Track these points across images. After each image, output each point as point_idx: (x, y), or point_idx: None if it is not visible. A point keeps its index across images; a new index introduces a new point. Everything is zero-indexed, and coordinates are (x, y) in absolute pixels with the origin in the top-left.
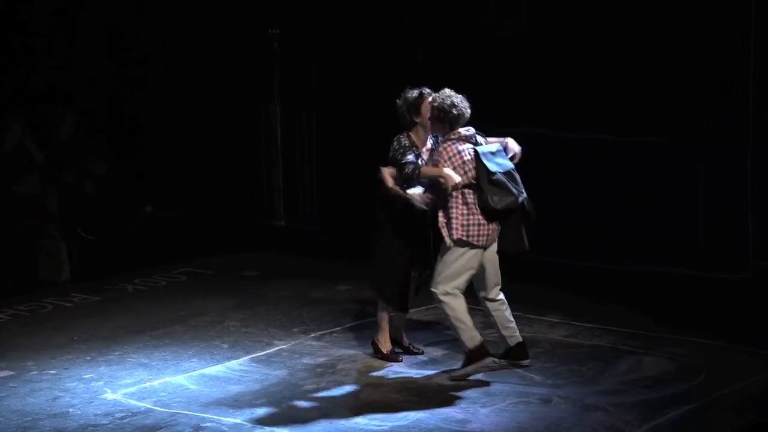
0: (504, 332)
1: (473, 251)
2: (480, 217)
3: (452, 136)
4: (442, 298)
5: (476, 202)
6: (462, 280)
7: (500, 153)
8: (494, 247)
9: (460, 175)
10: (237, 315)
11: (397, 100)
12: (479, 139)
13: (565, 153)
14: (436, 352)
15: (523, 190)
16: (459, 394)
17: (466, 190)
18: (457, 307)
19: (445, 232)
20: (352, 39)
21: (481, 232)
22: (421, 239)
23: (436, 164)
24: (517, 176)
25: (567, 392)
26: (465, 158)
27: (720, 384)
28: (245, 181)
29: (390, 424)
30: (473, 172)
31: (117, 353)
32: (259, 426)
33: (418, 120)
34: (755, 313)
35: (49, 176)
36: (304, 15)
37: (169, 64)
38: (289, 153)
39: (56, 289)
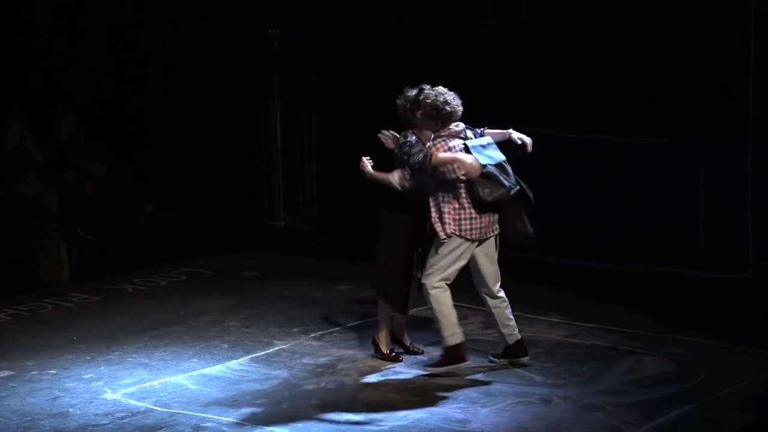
0: (503, 330)
1: (466, 245)
2: (472, 211)
3: (443, 133)
4: (430, 290)
5: (467, 196)
6: (451, 272)
7: (491, 146)
8: (491, 241)
9: (451, 171)
10: (237, 315)
11: (398, 100)
12: (469, 133)
13: (565, 153)
14: (436, 351)
15: (515, 181)
16: (459, 394)
17: (457, 185)
18: (443, 300)
19: (438, 227)
20: (352, 39)
21: (473, 226)
22: (421, 240)
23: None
24: (509, 168)
25: (567, 392)
26: (456, 154)
27: (720, 384)
28: (245, 181)
29: (390, 424)
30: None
31: (117, 353)
32: (259, 426)
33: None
34: (755, 313)
35: (49, 176)
36: (304, 15)
37: (169, 64)
38: (289, 153)
39: (56, 289)
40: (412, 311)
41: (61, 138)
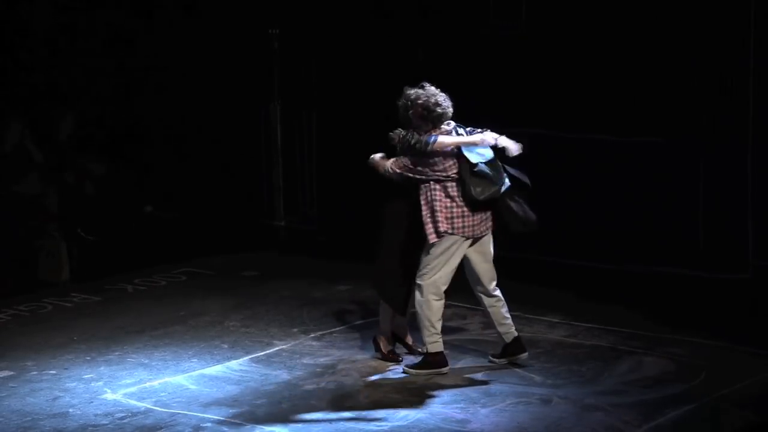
0: (500, 329)
1: (458, 243)
2: (464, 208)
3: (434, 133)
4: (426, 295)
5: (459, 194)
6: (445, 272)
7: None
8: (486, 240)
9: (442, 170)
10: (237, 315)
11: (398, 102)
12: (460, 131)
13: (565, 153)
14: None
15: (505, 177)
16: (459, 394)
17: (448, 183)
18: (434, 310)
19: (430, 228)
20: (352, 39)
21: (465, 224)
22: (423, 241)
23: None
24: (500, 165)
25: (567, 392)
26: (460, 138)
27: (720, 384)
28: (245, 181)
29: (390, 424)
30: (456, 165)
31: (117, 353)
32: (259, 426)
33: None
34: (755, 313)
35: (49, 176)
36: (304, 15)
37: (169, 64)
38: (289, 153)
39: (56, 289)
40: (413, 311)
41: (61, 138)
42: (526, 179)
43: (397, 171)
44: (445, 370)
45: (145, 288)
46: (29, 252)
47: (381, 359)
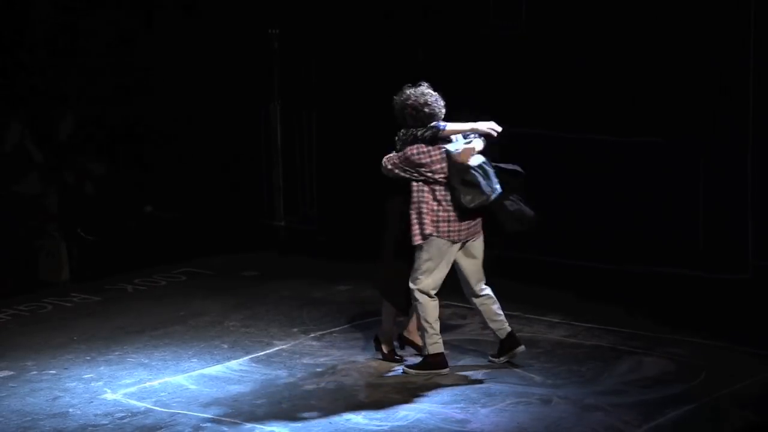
0: (492, 325)
1: (446, 247)
2: (452, 213)
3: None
4: (417, 295)
5: (447, 198)
6: (437, 276)
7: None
8: (475, 244)
9: (431, 172)
10: (237, 315)
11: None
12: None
13: (565, 153)
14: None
15: (496, 182)
16: (459, 394)
17: (436, 187)
18: (428, 309)
19: (416, 229)
20: (352, 39)
21: (451, 228)
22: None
23: (405, 160)
24: (490, 169)
25: (567, 392)
26: (433, 158)
27: (720, 384)
28: (245, 181)
29: (390, 424)
30: (444, 169)
31: (117, 353)
32: (259, 426)
33: None
34: (755, 313)
35: (49, 176)
36: (304, 15)
37: (169, 64)
38: (289, 153)
39: (56, 289)
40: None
41: (61, 138)
42: (518, 168)
43: (389, 167)
44: (444, 371)
45: (145, 288)
46: (29, 252)
47: (382, 359)
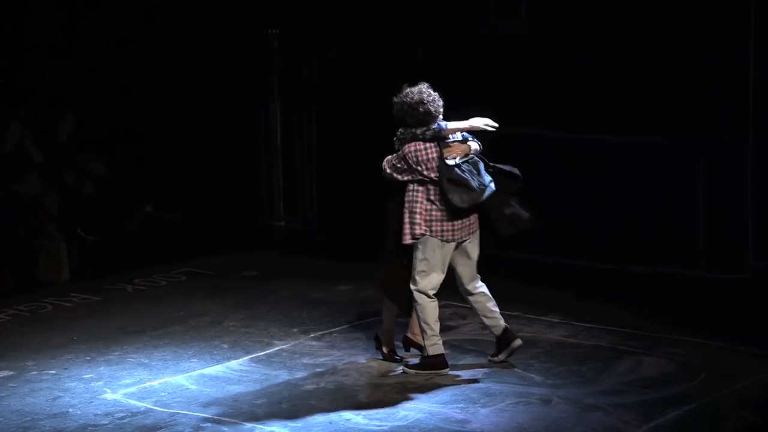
0: (487, 322)
1: (438, 247)
2: (445, 213)
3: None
4: (416, 296)
5: (440, 198)
6: (434, 278)
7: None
8: (470, 244)
9: (423, 172)
10: (237, 315)
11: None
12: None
13: (564, 153)
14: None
15: (488, 180)
16: (459, 394)
17: (430, 186)
18: (427, 310)
19: (406, 228)
20: (352, 39)
21: (444, 228)
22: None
23: (402, 159)
24: (481, 166)
25: (567, 392)
26: (429, 155)
27: (720, 384)
28: (245, 181)
29: (390, 424)
30: (435, 169)
31: (117, 353)
32: (259, 426)
33: None
34: (755, 313)
35: (49, 176)
36: (304, 15)
37: (169, 64)
38: (289, 153)
39: (56, 289)
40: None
41: (61, 138)
42: (516, 171)
43: (387, 171)
44: (444, 371)
45: (145, 288)
46: (29, 252)
47: (382, 359)
